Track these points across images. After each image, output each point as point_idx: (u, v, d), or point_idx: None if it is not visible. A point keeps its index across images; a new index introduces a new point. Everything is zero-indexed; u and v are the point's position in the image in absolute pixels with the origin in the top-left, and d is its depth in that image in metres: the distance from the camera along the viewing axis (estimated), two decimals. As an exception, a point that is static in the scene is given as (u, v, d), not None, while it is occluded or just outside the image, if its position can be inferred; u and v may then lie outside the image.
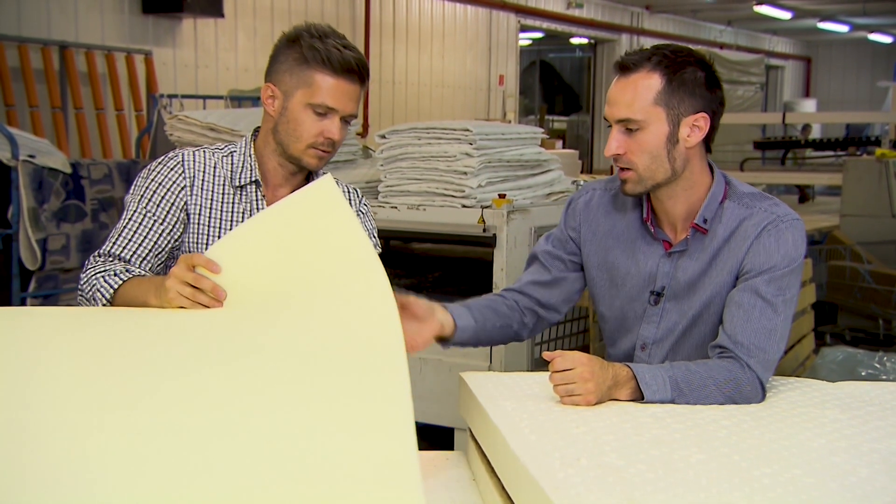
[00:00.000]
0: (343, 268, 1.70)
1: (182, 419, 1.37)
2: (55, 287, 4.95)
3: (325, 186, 1.85)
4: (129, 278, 1.95)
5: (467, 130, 3.69)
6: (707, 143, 2.04)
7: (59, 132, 7.07)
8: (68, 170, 4.98)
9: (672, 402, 1.85)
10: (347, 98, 2.05)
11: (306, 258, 1.75)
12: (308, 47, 2.02)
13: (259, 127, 2.18)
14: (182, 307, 1.78)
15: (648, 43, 15.78)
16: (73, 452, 1.31)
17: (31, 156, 4.83)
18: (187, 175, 2.10)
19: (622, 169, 2.02)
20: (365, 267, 1.67)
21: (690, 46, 2.07)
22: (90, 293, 1.96)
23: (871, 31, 18.70)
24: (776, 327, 1.94)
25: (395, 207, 3.77)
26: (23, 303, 4.84)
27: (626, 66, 1.97)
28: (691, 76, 1.96)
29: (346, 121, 2.08)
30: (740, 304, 1.95)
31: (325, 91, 2.03)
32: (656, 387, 1.85)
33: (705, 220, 2.03)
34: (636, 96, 1.95)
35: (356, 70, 2.04)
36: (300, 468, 1.30)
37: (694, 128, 1.98)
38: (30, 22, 7.17)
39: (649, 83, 1.95)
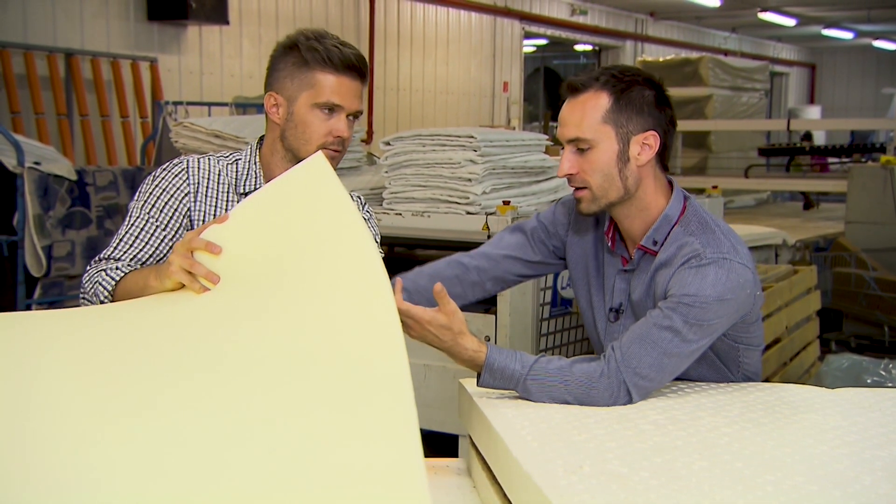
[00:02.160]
0: (340, 258, 1.67)
1: (187, 426, 1.37)
2: (60, 294, 4.96)
3: (317, 164, 1.82)
4: (130, 271, 1.99)
5: (472, 137, 3.69)
6: (663, 163, 2.06)
7: (65, 139, 7.08)
8: (73, 177, 4.99)
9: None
10: (352, 94, 2.06)
11: (303, 241, 1.73)
12: (307, 49, 2.04)
13: (263, 136, 2.18)
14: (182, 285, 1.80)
15: (653, 50, 15.79)
16: (73, 456, 1.32)
17: (36, 163, 4.85)
18: (192, 182, 2.11)
19: (576, 189, 2.04)
20: (363, 258, 1.64)
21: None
22: (91, 291, 1.99)
23: (876, 38, 18.70)
24: (664, 342, 1.89)
25: (400, 214, 3.78)
26: (27, 309, 4.85)
27: (575, 87, 2.01)
28: (639, 94, 1.99)
29: (352, 117, 2.09)
30: (645, 316, 1.94)
31: (330, 89, 2.04)
32: (494, 383, 1.91)
33: (655, 242, 2.03)
34: (584, 115, 1.98)
35: (356, 66, 2.06)
36: (305, 476, 1.30)
37: (644, 146, 2.00)
38: (36, 29, 7.19)
39: (597, 102, 1.98)
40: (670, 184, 2.09)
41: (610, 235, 2.11)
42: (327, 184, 1.78)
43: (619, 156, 1.99)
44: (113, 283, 1.97)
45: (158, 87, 7.74)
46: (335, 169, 2.11)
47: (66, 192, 4.94)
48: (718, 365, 2.11)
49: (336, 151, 2.09)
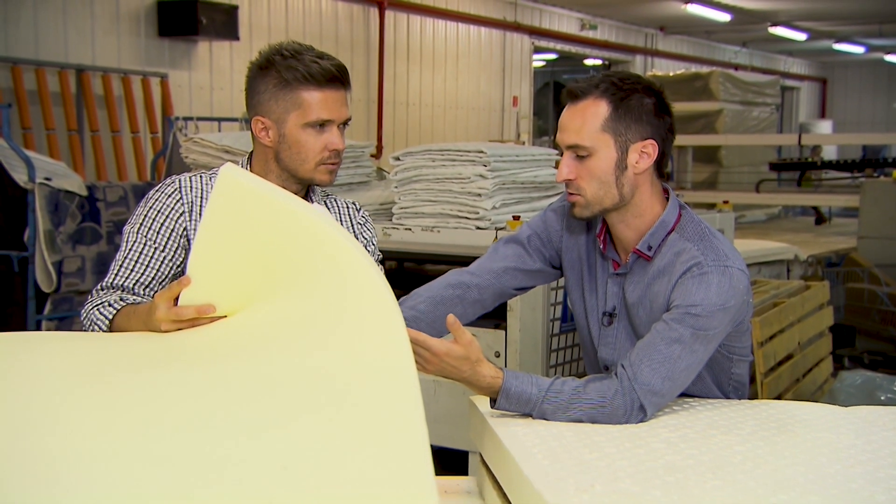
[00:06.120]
0: (328, 268, 1.57)
1: (199, 446, 1.37)
2: (70, 309, 4.97)
3: (231, 176, 1.68)
4: (122, 307, 1.94)
5: (481, 152, 3.69)
6: (660, 169, 2.05)
7: (76, 155, 7.11)
8: (84, 192, 5.01)
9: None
10: (339, 105, 2.04)
11: (280, 259, 1.62)
12: (286, 69, 2.00)
13: (251, 153, 2.14)
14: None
15: (663, 64, 15.73)
16: (85, 478, 1.31)
17: (47, 178, 4.86)
18: (185, 201, 2.07)
19: (571, 193, 2.04)
20: (354, 265, 1.54)
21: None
22: (90, 328, 1.96)
23: (888, 53, 18.69)
24: (674, 356, 1.90)
25: (410, 229, 3.77)
26: (38, 325, 4.86)
27: (574, 94, 2.01)
28: (637, 103, 1.98)
29: (343, 126, 2.08)
30: (651, 331, 1.94)
31: (317, 106, 2.01)
32: (510, 407, 1.89)
33: (650, 248, 2.03)
34: (584, 123, 1.98)
35: (339, 77, 2.03)
36: (317, 491, 1.29)
37: (643, 154, 2.00)
38: (47, 45, 7.23)
39: (596, 110, 1.98)
40: (666, 191, 2.09)
41: (602, 238, 2.11)
42: (260, 193, 1.66)
43: (618, 164, 1.99)
44: (107, 321, 1.93)
45: (169, 103, 7.77)
46: (334, 180, 2.10)
47: (77, 207, 4.95)
48: (710, 377, 2.11)
49: (334, 164, 2.08)
